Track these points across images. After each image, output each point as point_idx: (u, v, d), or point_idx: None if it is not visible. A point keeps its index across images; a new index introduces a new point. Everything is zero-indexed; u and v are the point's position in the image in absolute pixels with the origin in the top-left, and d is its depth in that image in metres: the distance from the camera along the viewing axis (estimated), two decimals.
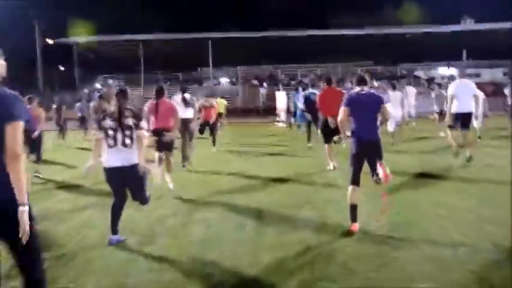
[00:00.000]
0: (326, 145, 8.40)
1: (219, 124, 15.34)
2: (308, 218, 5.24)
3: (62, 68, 48.38)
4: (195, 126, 8.94)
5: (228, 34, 32.29)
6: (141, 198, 4.63)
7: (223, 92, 33.68)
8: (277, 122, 21.00)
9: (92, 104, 14.03)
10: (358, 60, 38.12)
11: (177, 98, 8.79)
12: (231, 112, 28.10)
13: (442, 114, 13.85)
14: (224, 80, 36.65)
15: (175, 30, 33.11)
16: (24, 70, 43.98)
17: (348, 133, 4.88)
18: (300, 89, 14.41)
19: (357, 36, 34.23)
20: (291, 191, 6.68)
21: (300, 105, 12.87)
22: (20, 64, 42.93)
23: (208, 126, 11.75)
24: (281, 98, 21.18)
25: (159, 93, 6.73)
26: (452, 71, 37.44)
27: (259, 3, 44.18)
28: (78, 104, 16.18)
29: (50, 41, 38.81)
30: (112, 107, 4.45)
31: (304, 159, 9.69)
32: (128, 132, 4.37)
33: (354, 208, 4.69)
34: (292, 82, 34.73)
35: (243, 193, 6.62)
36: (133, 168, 4.38)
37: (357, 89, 4.88)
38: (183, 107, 8.64)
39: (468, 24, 40.25)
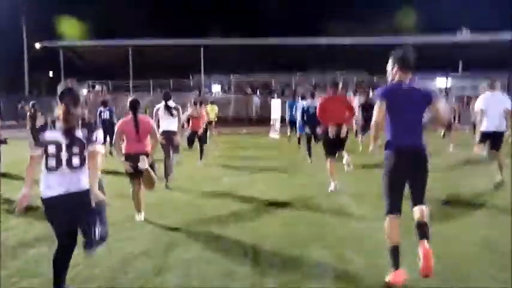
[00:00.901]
0: (328, 160, 7.19)
1: (208, 134, 14.17)
2: (319, 263, 4.03)
3: (51, 74, 47.03)
4: (180, 140, 7.75)
5: (220, 41, 31.25)
6: (91, 240, 3.23)
7: (215, 100, 32.73)
8: (272, 132, 19.85)
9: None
10: (354, 70, 37.29)
11: (160, 107, 7.61)
12: (223, 121, 27.05)
13: (450, 127, 12.86)
14: (216, 89, 35.51)
15: (167, 35, 32.04)
16: (11, 74, 42.70)
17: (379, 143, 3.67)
18: (298, 98, 13.30)
19: (353, 45, 33.31)
20: (293, 221, 5.46)
21: (299, 117, 11.75)
22: (7, 68, 41.69)
23: (197, 137, 10.59)
24: (276, 107, 20.06)
25: (135, 107, 5.55)
26: (450, 82, 36.79)
27: (254, 10, 43.27)
28: None
29: (38, 45, 37.54)
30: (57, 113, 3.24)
31: (305, 178, 8.49)
32: (76, 149, 3.17)
33: (395, 250, 3.39)
34: (287, 91, 33.78)
35: (234, 223, 5.39)
36: (85, 195, 3.16)
37: (397, 76, 3.56)
38: (166, 117, 7.49)
39: (465, 35, 39.66)
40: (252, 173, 9.25)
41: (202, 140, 10.65)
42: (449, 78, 36.52)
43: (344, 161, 6.94)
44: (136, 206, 5.48)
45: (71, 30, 36.72)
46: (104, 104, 12.78)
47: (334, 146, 7.10)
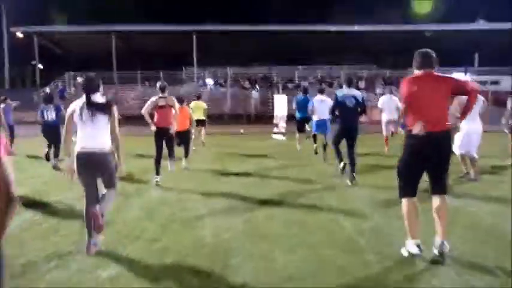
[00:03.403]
0: (406, 199, 3.85)
1: (192, 137, 10.72)
2: None
3: (41, 66, 43.27)
4: (123, 167, 4.25)
5: (215, 27, 27.61)
6: None
7: (211, 96, 29.18)
8: (275, 133, 16.37)
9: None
10: (361, 62, 33.82)
11: (76, 107, 4.06)
12: (217, 119, 23.56)
13: None
14: (210, 82, 31.86)
15: (155, 20, 28.41)
16: None
17: None
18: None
19: (361, 34, 29.62)
20: None
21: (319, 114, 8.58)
22: None
23: (166, 139, 7.15)
24: (281, 103, 16.55)
25: None
26: (468, 77, 33.30)
27: None
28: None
29: (20, 34, 33.85)
30: None
31: (344, 219, 5.03)
32: None
33: None
34: (289, 85, 30.27)
35: None
36: None
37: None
38: (89, 125, 3.97)
39: (482, 24, 36.10)
40: (251, 208, 5.70)
41: (170, 143, 7.26)
42: (468, 73, 32.97)
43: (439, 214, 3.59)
44: None
45: (50, 16, 33.01)
46: (48, 99, 9.35)
47: (423, 169, 3.74)
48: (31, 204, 5.98)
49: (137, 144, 11.82)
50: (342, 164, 7.43)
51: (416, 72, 3.83)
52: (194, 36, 27.25)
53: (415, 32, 29.75)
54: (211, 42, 28.41)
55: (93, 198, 4.01)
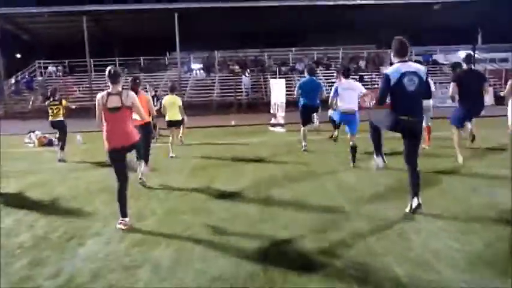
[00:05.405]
0: None
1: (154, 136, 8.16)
2: None
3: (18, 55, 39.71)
4: None
5: (200, 4, 24.53)
6: None
7: (197, 82, 26.40)
8: (273, 125, 13.69)
9: None
10: (360, 42, 31.04)
11: None
12: (205, 109, 21.00)
13: None
14: (196, 67, 28.89)
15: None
16: None
17: None
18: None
19: (359, 8, 26.25)
20: None
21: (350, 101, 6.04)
22: None
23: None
24: (279, 89, 13.82)
25: None
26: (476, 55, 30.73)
27: None
28: None
29: None
30: None
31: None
32: None
33: None
34: (283, 68, 27.49)
35: None
36: None
37: None
38: None
39: None
40: None
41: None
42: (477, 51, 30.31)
43: None
44: None
45: None
46: None
47: None
48: None
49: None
50: (380, 161, 4.83)
51: None
52: (176, 16, 24.13)
53: (420, 6, 26.72)
54: (195, 22, 25.41)
55: None
